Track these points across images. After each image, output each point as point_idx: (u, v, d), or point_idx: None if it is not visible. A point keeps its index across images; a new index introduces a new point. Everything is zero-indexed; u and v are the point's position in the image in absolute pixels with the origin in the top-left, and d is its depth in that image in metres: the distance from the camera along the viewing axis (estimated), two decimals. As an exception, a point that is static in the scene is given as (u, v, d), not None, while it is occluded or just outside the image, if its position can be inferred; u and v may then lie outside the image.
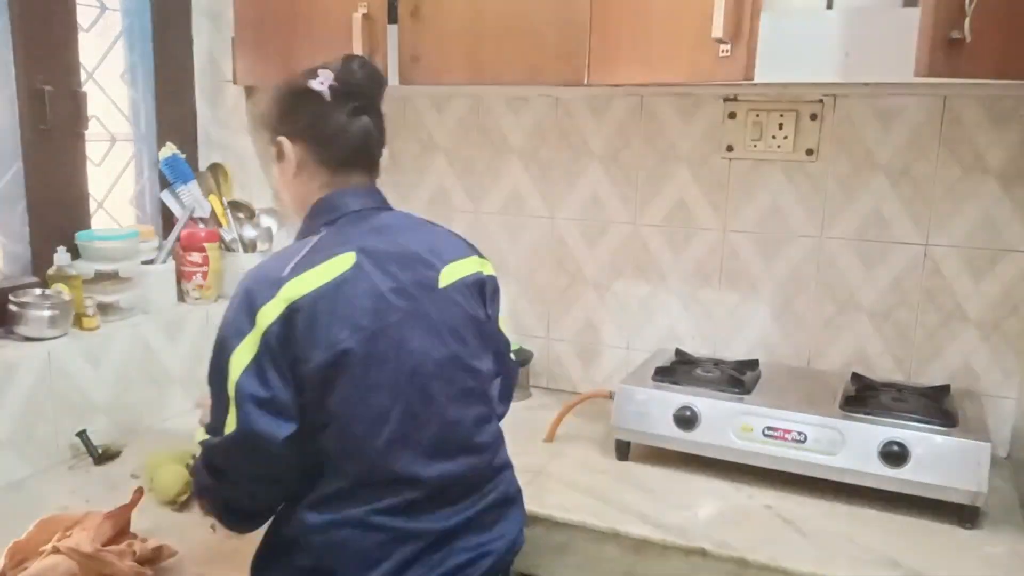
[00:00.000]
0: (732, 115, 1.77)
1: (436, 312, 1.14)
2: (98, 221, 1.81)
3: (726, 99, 1.78)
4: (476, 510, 1.17)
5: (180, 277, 1.87)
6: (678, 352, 1.82)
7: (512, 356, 1.38)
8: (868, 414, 1.46)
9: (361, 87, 1.19)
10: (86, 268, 1.66)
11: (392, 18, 1.67)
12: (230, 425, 1.05)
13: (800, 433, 1.46)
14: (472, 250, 1.27)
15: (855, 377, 1.67)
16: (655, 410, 1.55)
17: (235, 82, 1.94)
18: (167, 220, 1.95)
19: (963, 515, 1.38)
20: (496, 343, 1.28)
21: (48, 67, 1.62)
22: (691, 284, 1.88)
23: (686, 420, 1.52)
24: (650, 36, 1.44)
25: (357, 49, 1.63)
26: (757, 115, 1.75)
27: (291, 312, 1.04)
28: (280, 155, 1.21)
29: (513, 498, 1.25)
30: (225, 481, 1.11)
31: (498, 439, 1.25)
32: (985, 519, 1.39)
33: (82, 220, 1.74)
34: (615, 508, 1.43)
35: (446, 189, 2.07)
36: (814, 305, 1.78)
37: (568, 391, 2.00)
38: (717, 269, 1.85)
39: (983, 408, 1.57)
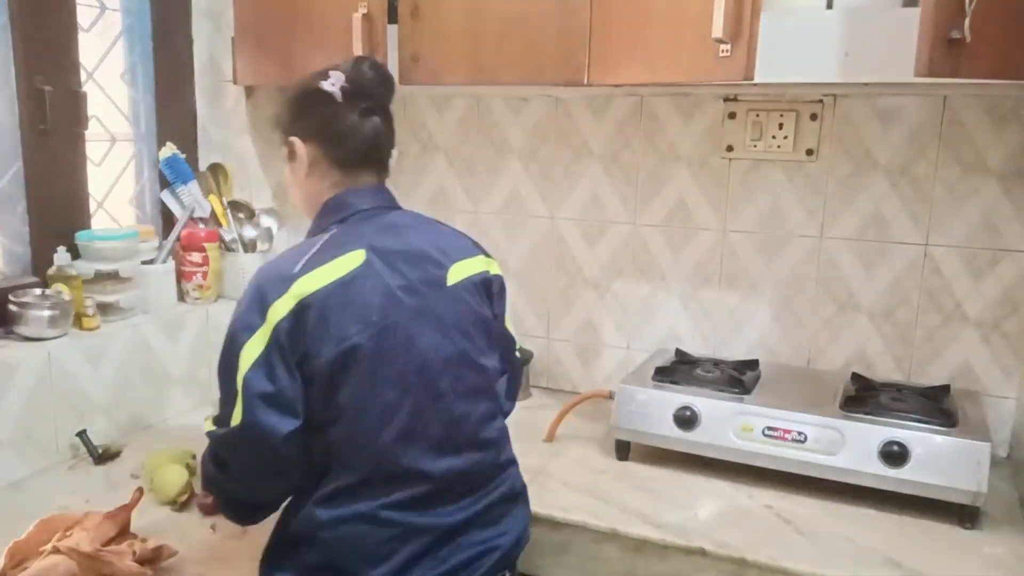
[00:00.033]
0: (732, 115, 1.77)
1: (444, 309, 1.16)
2: (98, 221, 1.81)
3: (726, 99, 1.78)
4: (483, 505, 1.19)
5: (180, 277, 1.87)
6: (678, 352, 1.82)
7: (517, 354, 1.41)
8: (868, 414, 1.46)
9: (371, 88, 1.21)
10: (86, 268, 1.66)
11: (392, 18, 1.67)
12: (236, 417, 1.07)
13: (800, 433, 1.46)
14: (479, 249, 1.29)
15: (855, 377, 1.67)
16: (655, 410, 1.55)
17: (235, 82, 1.94)
18: (167, 220, 1.95)
19: (963, 515, 1.38)
20: (503, 342, 1.30)
21: (48, 67, 1.62)
22: (691, 284, 1.88)
23: (686, 420, 1.52)
24: (650, 36, 1.44)
25: (357, 49, 1.63)
26: (757, 115, 1.75)
27: (301, 308, 1.06)
28: (292, 155, 1.23)
29: (519, 494, 1.27)
30: (228, 472, 1.13)
31: (504, 436, 1.27)
32: (985, 519, 1.39)
33: (82, 220, 1.74)
34: (615, 508, 1.43)
35: (446, 189, 2.07)
36: (814, 305, 1.78)
37: (568, 391, 2.00)
38: (717, 269, 1.85)
39: (983, 408, 1.57)
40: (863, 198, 1.71)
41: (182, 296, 1.89)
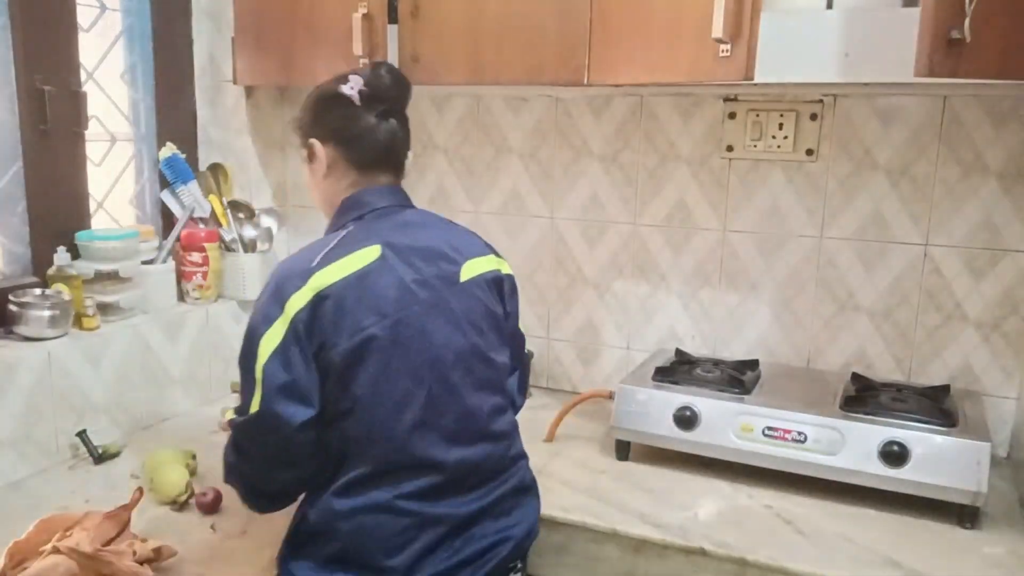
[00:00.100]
0: (732, 115, 1.77)
1: (457, 304, 1.20)
2: (98, 221, 1.81)
3: (726, 99, 1.78)
4: (495, 496, 1.22)
5: (180, 277, 1.87)
6: (678, 352, 1.82)
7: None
8: (868, 414, 1.46)
9: (388, 92, 1.26)
10: (86, 268, 1.66)
11: (392, 18, 1.67)
12: (254, 406, 1.11)
13: (800, 433, 1.46)
14: (490, 249, 1.33)
15: (855, 377, 1.67)
16: (655, 410, 1.55)
17: (235, 82, 1.94)
18: (167, 220, 1.95)
19: (963, 515, 1.38)
20: (514, 339, 1.35)
21: (48, 67, 1.62)
22: (691, 284, 1.88)
23: (686, 420, 1.52)
24: (650, 36, 1.44)
25: (357, 49, 1.64)
26: (757, 115, 1.75)
27: (319, 300, 1.10)
28: (311, 156, 1.28)
29: (529, 487, 1.31)
30: (245, 459, 1.17)
31: (514, 429, 1.31)
32: (985, 519, 1.39)
33: (82, 220, 1.74)
34: (615, 508, 1.43)
35: (446, 189, 2.07)
36: (814, 305, 1.78)
37: (568, 391, 2.00)
38: (717, 269, 1.85)
39: (983, 408, 1.57)
40: (863, 198, 1.71)
41: (182, 296, 1.89)
